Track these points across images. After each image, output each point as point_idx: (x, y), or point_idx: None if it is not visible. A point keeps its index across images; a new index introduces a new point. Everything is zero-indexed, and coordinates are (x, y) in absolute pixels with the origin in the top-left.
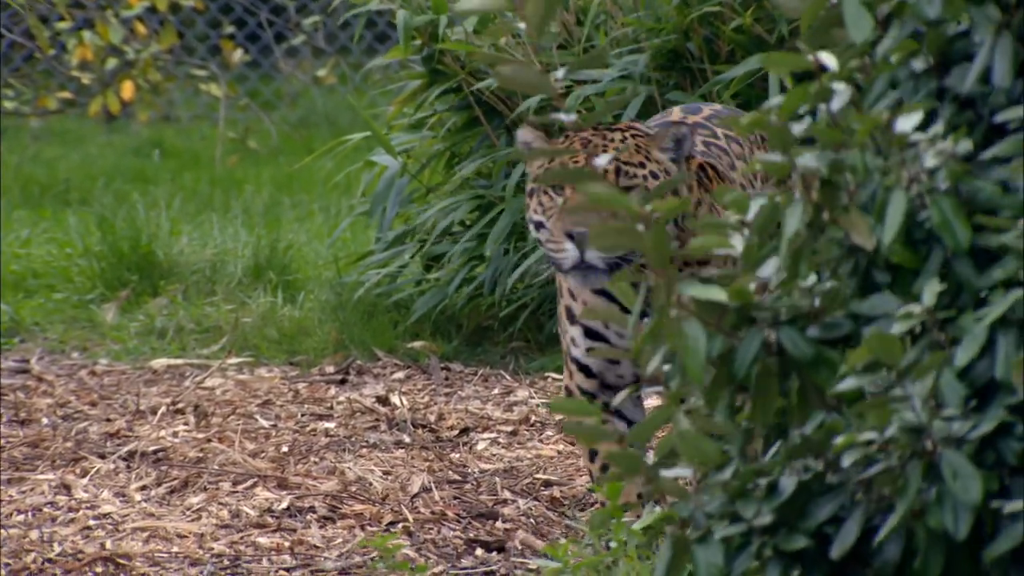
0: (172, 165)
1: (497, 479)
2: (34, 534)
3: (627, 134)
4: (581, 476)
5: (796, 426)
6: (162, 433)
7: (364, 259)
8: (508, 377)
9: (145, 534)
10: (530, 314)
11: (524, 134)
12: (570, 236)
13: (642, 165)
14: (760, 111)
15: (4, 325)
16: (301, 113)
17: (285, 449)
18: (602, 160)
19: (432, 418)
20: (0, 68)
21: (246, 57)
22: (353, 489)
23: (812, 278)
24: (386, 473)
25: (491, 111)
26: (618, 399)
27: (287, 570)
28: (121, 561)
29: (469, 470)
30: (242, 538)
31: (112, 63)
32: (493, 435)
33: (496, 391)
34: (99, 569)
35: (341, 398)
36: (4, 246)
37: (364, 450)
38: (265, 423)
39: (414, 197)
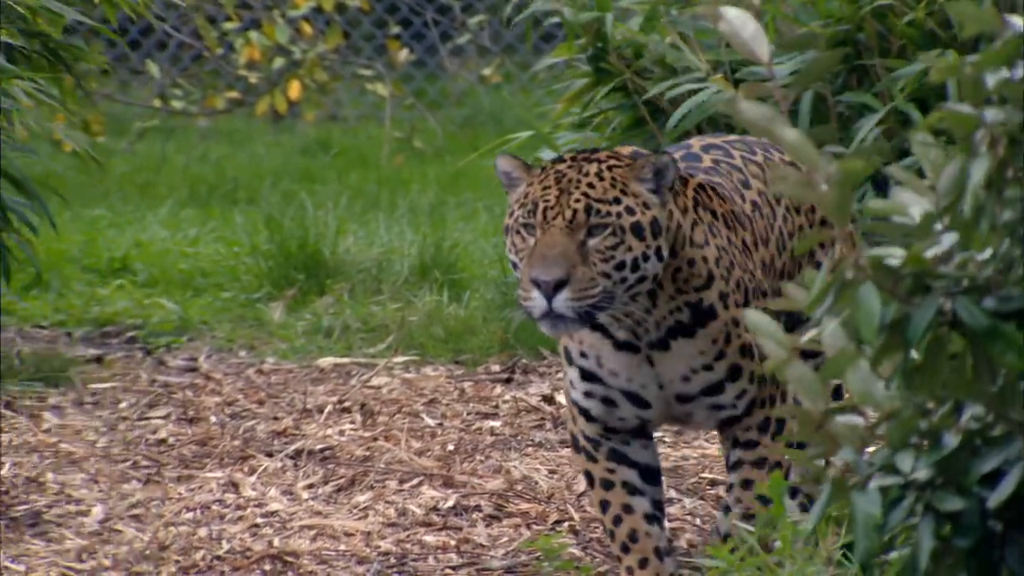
0: (338, 164)
1: (662, 478)
2: (203, 531)
3: (604, 166)
4: None
5: (969, 400)
6: (329, 432)
7: None
8: None
9: (312, 532)
10: None
11: (503, 163)
12: (536, 284)
13: (616, 201)
14: (950, 63)
15: (172, 324)
16: (467, 112)
17: (451, 448)
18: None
19: None
20: (169, 68)
21: (412, 56)
22: (519, 488)
23: (988, 250)
24: (552, 472)
25: (657, 110)
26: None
27: (453, 568)
28: (288, 559)
29: None
30: (408, 536)
31: (279, 63)
32: (659, 434)
33: None
34: (267, 567)
35: (507, 397)
36: (172, 245)
37: (530, 449)
38: (431, 422)
39: None
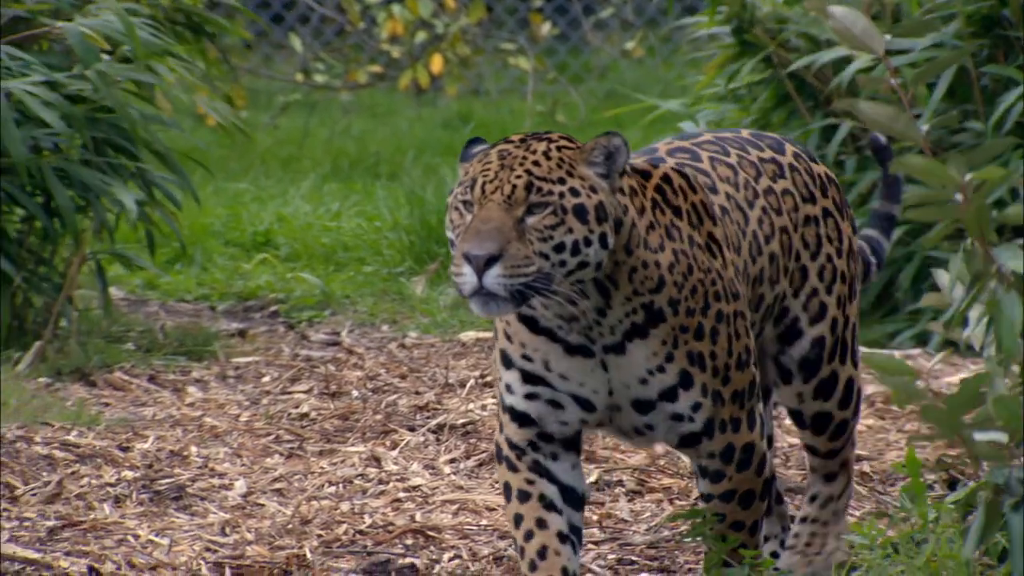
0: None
1: (805, 453)
2: (345, 506)
3: (553, 146)
4: (890, 451)
5: None
6: (471, 406)
7: None
8: None
9: (454, 507)
10: None
11: (473, 148)
12: (467, 258)
13: (561, 181)
14: None
15: (314, 298)
16: (609, 86)
17: None
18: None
19: None
20: (312, 42)
21: (554, 30)
22: (661, 463)
23: None
24: None
25: (802, 84)
26: None
27: (595, 543)
28: (431, 533)
29: (778, 444)
30: None
31: (421, 37)
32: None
33: None
34: (409, 541)
35: None
36: (315, 219)
37: None
38: None
39: None
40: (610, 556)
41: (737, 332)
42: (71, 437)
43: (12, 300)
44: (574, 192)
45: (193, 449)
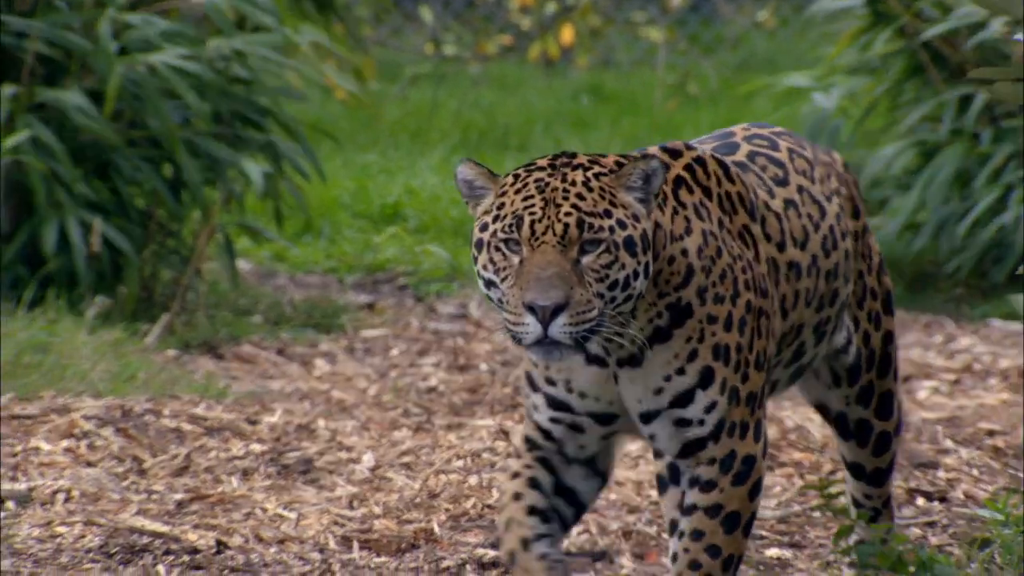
0: (610, 110)
1: (939, 428)
2: (473, 480)
3: (590, 173)
4: None
5: None
6: None
7: None
8: (951, 324)
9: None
10: (975, 261)
11: (465, 171)
12: (531, 309)
13: (607, 214)
14: None
15: (442, 271)
16: (741, 57)
17: None
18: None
19: None
20: (441, 14)
21: (686, 1)
22: (792, 437)
23: None
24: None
25: (936, 55)
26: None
27: None
28: None
29: (911, 419)
30: None
31: (551, 8)
32: (935, 383)
33: (938, 338)
34: None
35: None
36: (444, 191)
37: (803, 398)
38: None
39: (856, 142)
40: None
41: (760, 330)
42: (199, 410)
43: (140, 273)
44: (621, 224)
45: (321, 422)
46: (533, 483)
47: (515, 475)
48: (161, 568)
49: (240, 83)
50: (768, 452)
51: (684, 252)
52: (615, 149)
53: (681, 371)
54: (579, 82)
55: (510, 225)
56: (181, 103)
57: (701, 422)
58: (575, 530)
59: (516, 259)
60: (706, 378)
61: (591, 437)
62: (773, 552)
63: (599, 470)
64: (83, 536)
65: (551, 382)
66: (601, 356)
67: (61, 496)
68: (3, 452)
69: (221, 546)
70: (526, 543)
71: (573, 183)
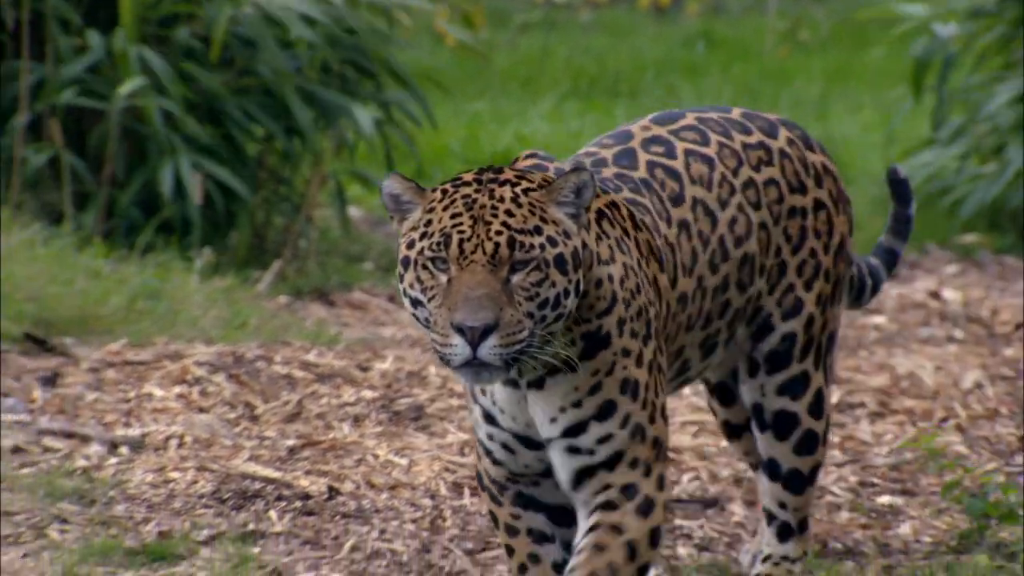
0: (721, 57)
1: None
2: None
3: (519, 189)
4: None
5: None
6: None
7: (917, 151)
8: None
9: (694, 428)
10: None
11: (391, 184)
12: (460, 330)
13: (538, 231)
14: None
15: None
16: (852, 3)
17: None
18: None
19: (985, 313)
20: None
21: None
22: (904, 385)
23: None
24: (938, 368)
25: None
26: None
27: (837, 465)
28: (670, 455)
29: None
30: None
31: None
32: None
33: None
34: None
35: (892, 293)
36: (554, 138)
37: (915, 345)
38: None
39: (972, 86)
40: (851, 478)
41: (660, 385)
42: (310, 357)
43: (252, 220)
44: (552, 241)
45: (432, 369)
46: (537, 536)
47: (512, 531)
48: (273, 514)
49: (351, 31)
50: (883, 399)
51: (610, 278)
52: (727, 96)
53: (578, 404)
54: (689, 29)
55: (438, 243)
56: (292, 51)
57: (591, 452)
58: (686, 476)
59: (444, 278)
60: (605, 411)
61: (526, 458)
62: (885, 500)
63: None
64: (195, 482)
65: (483, 391)
66: (513, 377)
67: (174, 442)
68: (116, 398)
69: (333, 492)
70: None
71: (501, 199)
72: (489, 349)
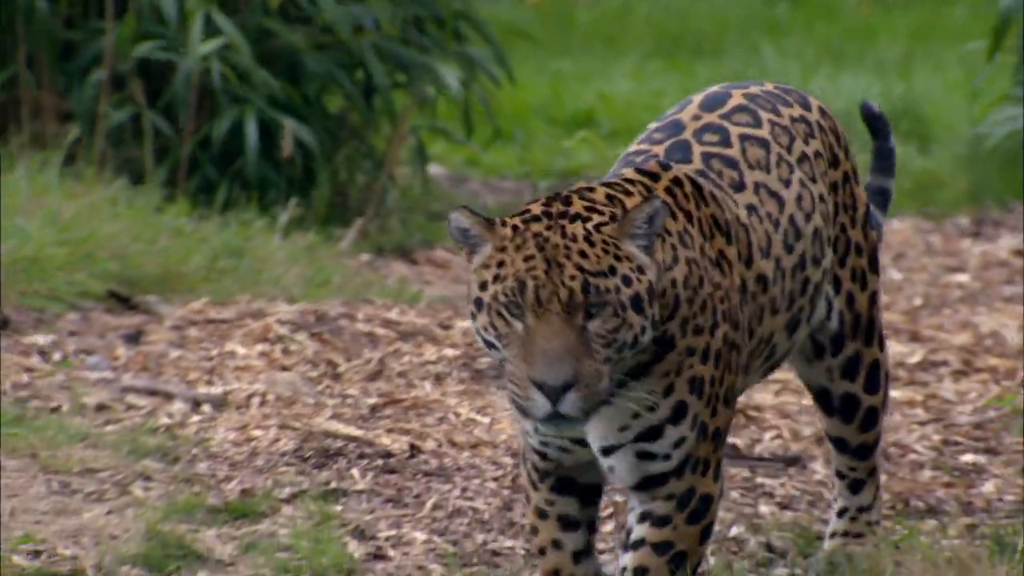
0: (803, 15)
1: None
2: None
3: (591, 225)
4: None
5: None
6: None
7: (1000, 107)
8: None
9: (776, 386)
10: None
11: (459, 219)
12: (540, 387)
13: (612, 271)
14: None
15: None
16: None
17: (917, 301)
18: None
19: None
20: None
21: None
22: (987, 343)
23: None
24: (1021, 327)
25: None
26: None
27: (920, 424)
28: (752, 413)
29: None
30: None
31: None
32: None
33: None
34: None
35: (975, 250)
36: (637, 97)
37: (999, 303)
38: (897, 275)
39: None
40: (934, 437)
41: (732, 364)
42: (392, 315)
43: (334, 178)
44: (627, 281)
45: None
46: (565, 523)
47: (541, 513)
48: (355, 472)
49: None
50: (966, 357)
51: (673, 283)
52: (809, 55)
53: (653, 407)
54: None
55: (512, 289)
56: (370, 8)
57: (667, 456)
58: (767, 434)
59: (519, 326)
60: (679, 413)
61: (582, 454)
62: (968, 458)
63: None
64: (278, 440)
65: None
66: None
67: (256, 400)
68: (199, 356)
69: (414, 450)
70: None
71: (575, 237)
72: (570, 404)
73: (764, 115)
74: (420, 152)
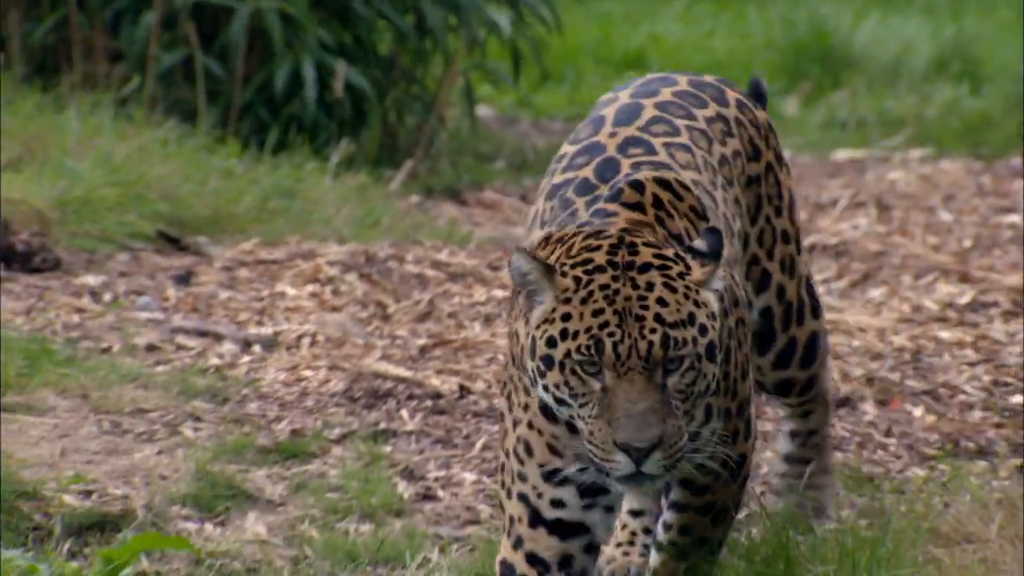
0: None
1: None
2: None
3: (666, 275)
4: None
5: None
6: (843, 226)
7: None
8: None
9: (828, 327)
10: None
11: (519, 261)
12: (626, 450)
13: (691, 320)
14: None
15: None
16: None
17: (968, 243)
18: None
19: None
20: None
21: None
22: None
23: None
24: None
25: None
26: None
27: (969, 364)
28: None
29: None
30: (923, 332)
31: None
32: None
33: None
34: None
35: None
36: (686, 38)
37: None
38: (947, 216)
39: None
40: (984, 378)
41: (741, 341)
42: (442, 256)
43: (384, 119)
44: (703, 331)
45: None
46: None
47: None
48: (404, 413)
49: None
50: (1017, 298)
51: (721, 334)
52: None
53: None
54: None
55: (587, 346)
56: None
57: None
58: None
59: (597, 385)
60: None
61: (597, 514)
62: (1018, 399)
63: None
64: (327, 380)
65: (585, 470)
66: None
67: (306, 341)
68: (249, 297)
69: (463, 391)
70: None
71: (650, 286)
72: (654, 464)
73: (680, 122)
74: (469, 94)
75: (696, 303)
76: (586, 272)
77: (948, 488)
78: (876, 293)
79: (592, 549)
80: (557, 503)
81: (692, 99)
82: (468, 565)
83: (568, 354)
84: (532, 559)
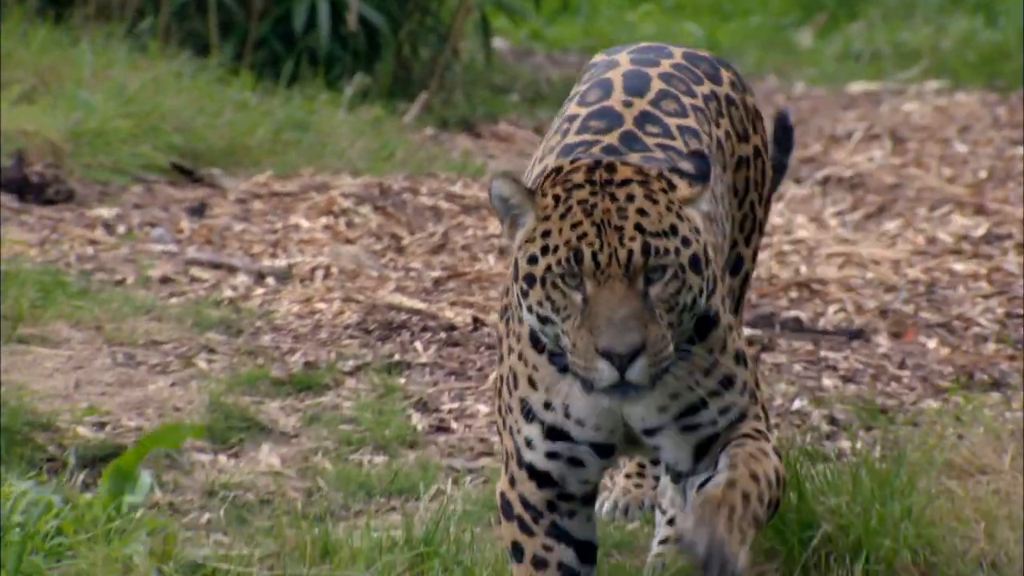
0: None
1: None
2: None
3: (647, 188)
4: None
5: None
6: (857, 158)
7: None
8: None
9: (840, 259)
10: None
11: (500, 186)
12: (608, 356)
13: (674, 231)
14: None
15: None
16: None
17: (983, 175)
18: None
19: None
20: None
21: None
22: None
23: None
24: None
25: None
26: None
27: (984, 297)
28: (815, 286)
29: None
30: (937, 264)
31: None
32: None
33: None
34: (793, 294)
35: None
36: None
37: None
38: (962, 148)
39: None
40: (998, 310)
41: (741, 319)
42: (456, 188)
43: (398, 52)
44: (686, 242)
45: None
46: (566, 572)
47: (541, 563)
48: (418, 344)
49: None
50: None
51: (706, 248)
52: None
53: (693, 387)
54: None
55: (566, 258)
56: None
57: (714, 423)
58: (831, 308)
59: (578, 296)
60: (726, 384)
61: (592, 471)
62: None
63: (593, 504)
64: (341, 312)
65: (549, 406)
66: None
67: (320, 273)
68: (263, 229)
69: (477, 323)
70: None
71: (631, 199)
72: (638, 372)
73: (686, 100)
74: (485, 26)
75: (679, 216)
76: (565, 190)
77: (961, 420)
78: (891, 225)
79: (568, 498)
80: (529, 443)
81: (690, 75)
82: (481, 496)
83: (549, 268)
84: (525, 503)
